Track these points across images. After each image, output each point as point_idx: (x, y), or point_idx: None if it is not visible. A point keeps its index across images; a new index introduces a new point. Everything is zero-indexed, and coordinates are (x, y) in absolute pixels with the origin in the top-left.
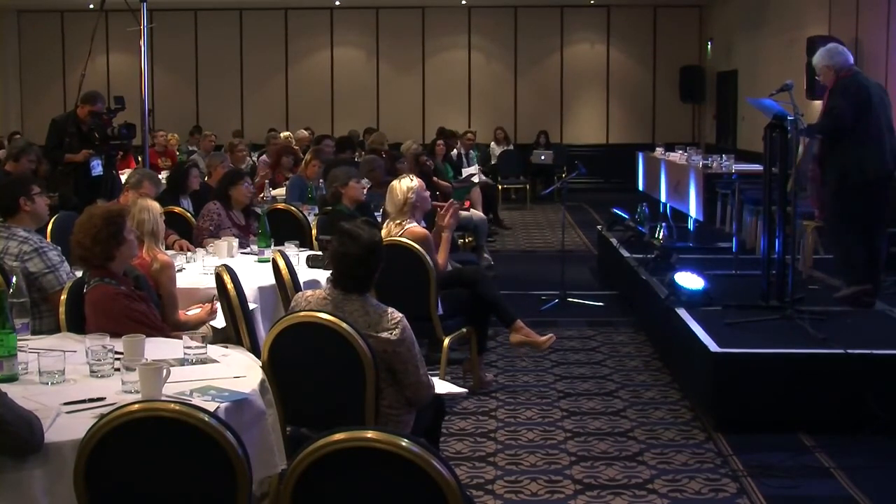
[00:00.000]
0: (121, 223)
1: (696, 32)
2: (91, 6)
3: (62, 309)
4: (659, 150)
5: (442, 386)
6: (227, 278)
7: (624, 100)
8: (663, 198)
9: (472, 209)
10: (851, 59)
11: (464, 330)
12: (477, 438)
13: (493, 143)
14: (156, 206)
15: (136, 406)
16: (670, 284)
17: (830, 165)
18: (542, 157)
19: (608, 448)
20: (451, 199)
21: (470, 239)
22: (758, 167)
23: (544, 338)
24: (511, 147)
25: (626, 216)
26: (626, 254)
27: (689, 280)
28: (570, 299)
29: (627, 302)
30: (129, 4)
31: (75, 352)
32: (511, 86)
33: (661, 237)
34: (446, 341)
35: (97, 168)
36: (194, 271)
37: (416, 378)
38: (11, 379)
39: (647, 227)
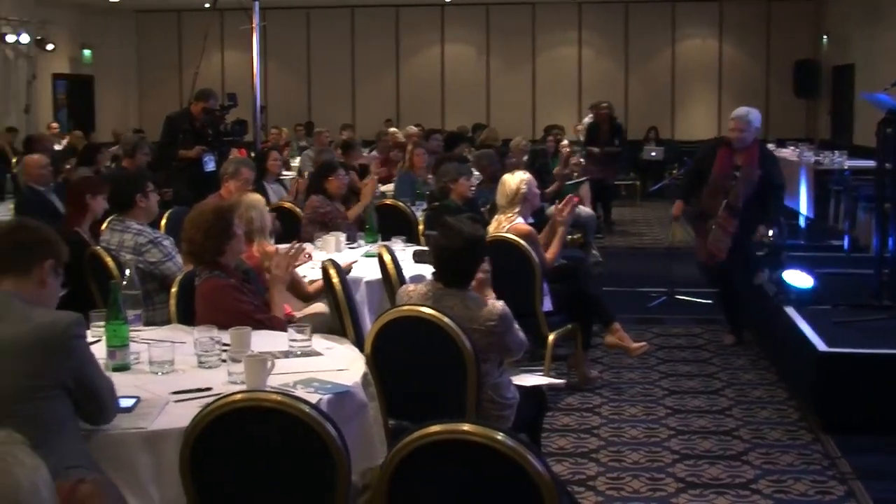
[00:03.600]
0: (230, 218)
1: (812, 26)
2: (207, 5)
3: (172, 301)
4: (770, 146)
5: (540, 378)
6: (332, 272)
7: (736, 95)
8: None
9: (580, 205)
10: None
11: (569, 326)
12: (580, 435)
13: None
14: (261, 201)
15: (240, 396)
16: (779, 282)
17: None
18: (653, 154)
19: (712, 447)
20: (569, 195)
21: (578, 235)
22: (871, 163)
23: (637, 344)
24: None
25: None
26: None
27: (799, 278)
28: (677, 297)
29: (736, 300)
30: (241, 3)
31: (184, 343)
32: (621, 82)
33: (770, 235)
34: (551, 337)
35: (210, 164)
36: (303, 265)
37: (517, 346)
38: (124, 368)
39: None
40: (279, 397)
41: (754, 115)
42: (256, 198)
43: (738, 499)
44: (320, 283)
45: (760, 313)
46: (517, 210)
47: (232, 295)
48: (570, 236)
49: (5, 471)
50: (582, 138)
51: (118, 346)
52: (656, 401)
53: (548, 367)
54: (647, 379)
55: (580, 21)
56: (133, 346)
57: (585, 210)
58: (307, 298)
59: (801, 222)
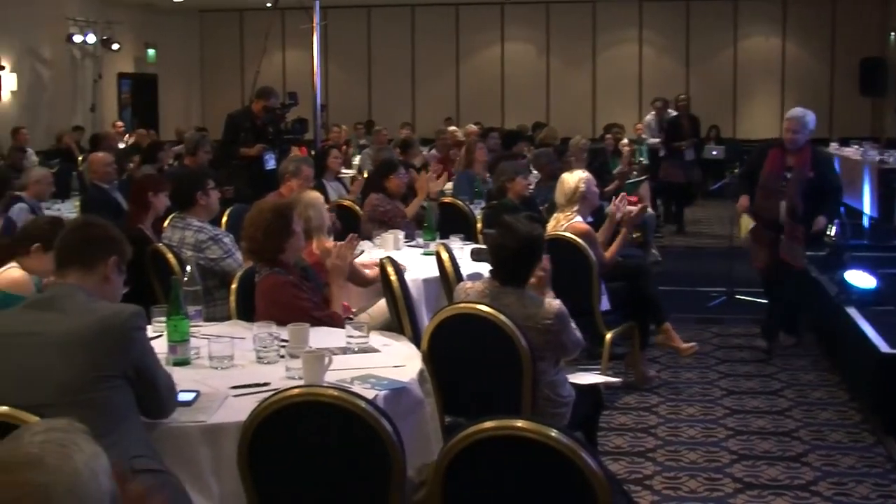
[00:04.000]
0: (290, 216)
1: (878, 23)
2: (268, 4)
3: (232, 298)
4: (833, 146)
5: (596, 377)
6: (390, 270)
7: (799, 94)
8: None
9: (640, 204)
10: None
11: (626, 325)
12: (637, 434)
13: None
14: (319, 199)
15: (297, 391)
16: (841, 282)
17: None
18: (714, 153)
19: (771, 448)
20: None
21: (638, 234)
22: None
23: (687, 345)
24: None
25: None
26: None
27: (861, 278)
28: (737, 297)
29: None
30: (302, 2)
31: (244, 338)
32: (682, 80)
33: (833, 234)
34: (608, 336)
35: (270, 162)
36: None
37: (574, 345)
38: (184, 363)
39: None
40: (336, 392)
41: (811, 117)
42: (315, 196)
43: (796, 500)
44: (377, 269)
45: (822, 314)
46: (576, 209)
47: (291, 292)
48: (630, 235)
49: (66, 456)
50: (646, 136)
51: (179, 341)
52: (714, 401)
53: (605, 365)
54: (706, 379)
55: (641, 19)
56: (193, 342)
57: None
58: (366, 284)
59: (865, 222)
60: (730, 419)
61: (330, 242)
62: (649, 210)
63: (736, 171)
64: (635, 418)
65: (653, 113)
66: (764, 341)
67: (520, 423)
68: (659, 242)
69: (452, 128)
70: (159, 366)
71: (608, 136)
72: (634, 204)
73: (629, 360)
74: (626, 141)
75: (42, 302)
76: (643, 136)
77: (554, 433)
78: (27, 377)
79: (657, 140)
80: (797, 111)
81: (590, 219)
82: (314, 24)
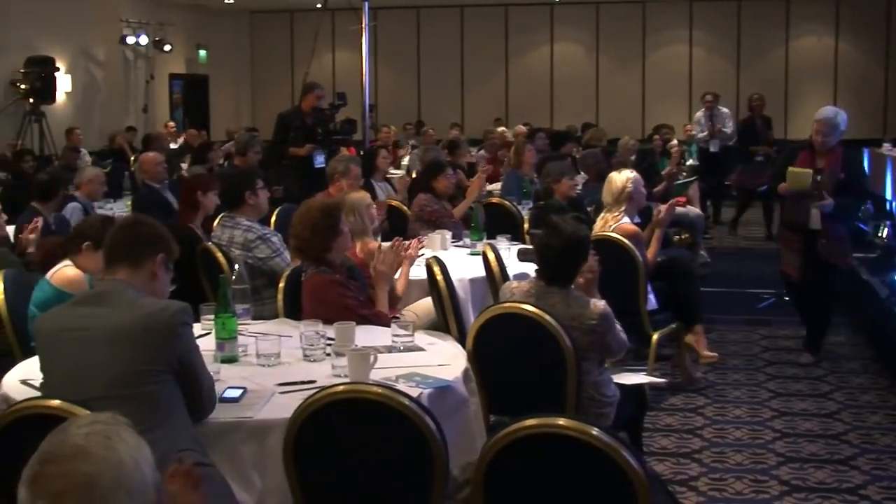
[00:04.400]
0: (337, 216)
1: None
2: (318, 5)
3: (280, 296)
4: (886, 147)
5: (641, 377)
6: (436, 270)
7: (852, 94)
8: (888, 195)
9: (688, 205)
10: None
11: (673, 326)
12: (683, 435)
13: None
14: (363, 202)
15: (342, 388)
16: (892, 285)
17: None
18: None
19: (819, 450)
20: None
21: (686, 235)
22: None
23: (709, 353)
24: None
25: None
26: None
27: None
28: (787, 298)
29: (847, 302)
30: (351, 3)
31: (291, 337)
32: (733, 81)
33: (884, 236)
34: (655, 336)
35: (320, 160)
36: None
37: (618, 346)
38: (232, 360)
39: (871, 225)
40: (380, 390)
41: (842, 117)
42: (358, 198)
43: None
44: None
45: (872, 316)
46: (623, 209)
47: (337, 290)
48: (677, 236)
49: (111, 447)
50: (696, 132)
51: (227, 338)
52: (762, 403)
53: (651, 366)
54: (753, 381)
55: (691, 20)
56: (241, 339)
57: (694, 210)
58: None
59: None
60: (777, 421)
61: (374, 244)
62: (698, 211)
63: None
64: (681, 419)
65: (703, 108)
66: (810, 355)
67: (561, 421)
68: (708, 244)
69: (501, 128)
70: (203, 366)
71: (657, 136)
72: (683, 205)
73: (675, 360)
74: (675, 142)
75: (91, 297)
76: (693, 132)
77: (595, 431)
78: (77, 371)
79: (706, 134)
80: (828, 112)
81: (637, 219)
82: (363, 25)
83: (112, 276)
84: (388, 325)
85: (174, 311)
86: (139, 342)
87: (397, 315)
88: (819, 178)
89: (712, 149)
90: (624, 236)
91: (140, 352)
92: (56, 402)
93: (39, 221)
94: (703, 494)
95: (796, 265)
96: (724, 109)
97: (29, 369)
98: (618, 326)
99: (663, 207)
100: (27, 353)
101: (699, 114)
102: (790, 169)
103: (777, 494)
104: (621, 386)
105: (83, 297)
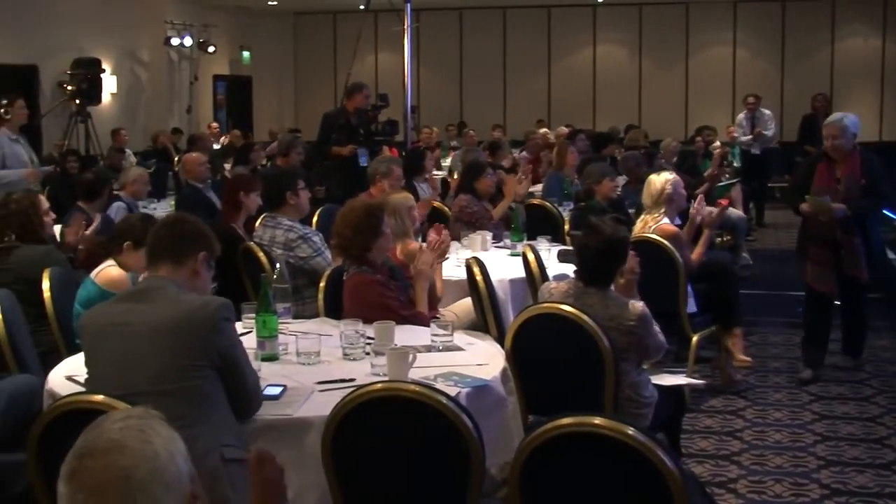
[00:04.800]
0: (380, 217)
1: None
2: (361, 7)
3: (320, 295)
4: None
5: (679, 378)
6: (476, 270)
7: None
8: None
9: (731, 207)
10: None
11: (713, 328)
12: (722, 437)
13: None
14: (404, 204)
15: (380, 386)
16: None
17: None
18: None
19: (860, 454)
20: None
21: (728, 237)
22: None
23: (743, 357)
24: (776, 144)
25: (894, 216)
26: (892, 255)
27: None
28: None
29: (893, 305)
30: (393, 5)
31: (331, 335)
32: (777, 82)
33: None
34: (694, 338)
35: (363, 159)
36: (448, 263)
37: (656, 347)
38: (272, 358)
39: None
40: (417, 388)
41: (850, 119)
42: (401, 198)
43: None
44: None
45: None
46: (662, 210)
47: (378, 290)
48: (719, 238)
49: (145, 440)
50: (738, 135)
51: (267, 336)
52: (802, 405)
53: (691, 367)
54: (794, 383)
55: (735, 21)
56: (282, 338)
57: (736, 212)
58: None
59: None
60: (818, 424)
61: (415, 245)
62: (741, 213)
63: None
64: (721, 421)
65: (745, 111)
66: (808, 370)
67: (597, 420)
68: (751, 246)
69: (543, 130)
70: (248, 364)
71: (699, 138)
72: (725, 207)
73: (716, 362)
74: (717, 143)
75: (134, 294)
76: (735, 134)
77: (631, 431)
78: (121, 366)
79: (749, 138)
80: (834, 116)
81: (678, 221)
82: (405, 27)
83: (154, 273)
84: (428, 325)
85: (215, 307)
86: (180, 337)
87: (437, 315)
88: (839, 187)
89: (754, 151)
90: (664, 237)
91: (181, 347)
92: (100, 398)
93: (94, 221)
94: (742, 497)
95: (831, 280)
96: (766, 111)
97: (74, 366)
98: (656, 328)
99: (709, 209)
100: (72, 350)
101: (741, 116)
102: (809, 198)
103: (817, 498)
104: (659, 387)
105: (126, 294)
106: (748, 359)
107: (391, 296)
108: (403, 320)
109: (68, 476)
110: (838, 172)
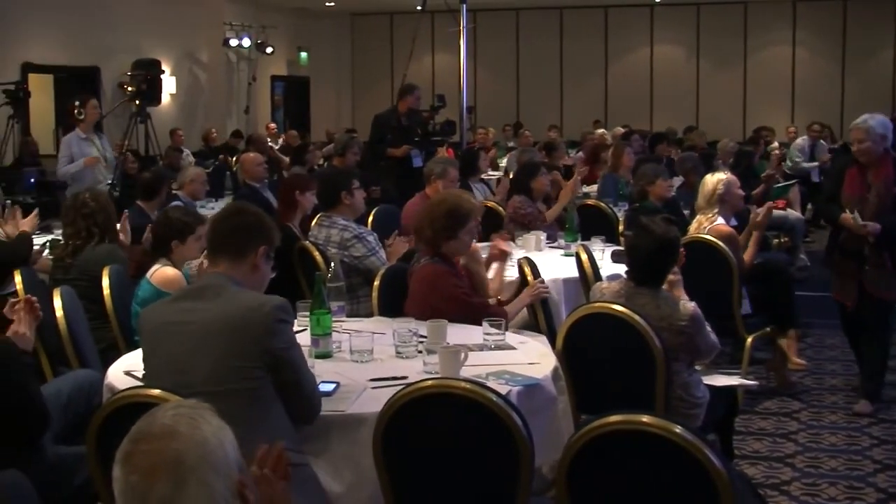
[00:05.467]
0: (467, 215)
1: None
2: (419, 8)
3: (375, 294)
4: None
5: (731, 379)
6: (527, 270)
7: None
8: None
9: (788, 209)
10: None
11: (768, 329)
12: (776, 439)
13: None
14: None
15: (431, 382)
16: None
17: None
18: None
19: None
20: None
21: (786, 239)
22: None
23: (799, 360)
24: (836, 145)
25: None
26: None
27: None
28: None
29: None
30: (449, 5)
31: (384, 334)
32: (838, 83)
33: None
34: (749, 339)
35: (417, 160)
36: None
37: (708, 348)
38: (326, 356)
39: None
40: (468, 385)
41: (877, 121)
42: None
43: None
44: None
45: None
46: (716, 211)
47: (451, 281)
48: (776, 240)
49: (195, 427)
50: (798, 159)
51: (321, 334)
52: None
53: (745, 369)
54: (850, 386)
55: (794, 20)
56: (335, 336)
57: (794, 213)
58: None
59: None
60: (875, 428)
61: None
62: (799, 214)
63: None
64: (775, 423)
65: (806, 137)
66: (867, 401)
67: (644, 418)
68: (809, 247)
69: (601, 130)
70: (305, 367)
71: (761, 138)
72: (783, 208)
73: (771, 364)
74: (776, 144)
75: (192, 292)
76: (794, 148)
77: (678, 429)
78: (176, 365)
79: (814, 165)
80: (862, 117)
81: (734, 221)
82: (461, 27)
83: (215, 268)
84: (504, 315)
85: (270, 308)
86: (234, 338)
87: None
88: (869, 195)
89: (814, 178)
90: (718, 238)
91: (234, 348)
92: (156, 391)
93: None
94: (796, 499)
95: (852, 293)
96: (824, 143)
97: (132, 361)
98: (708, 328)
99: (761, 210)
100: (131, 347)
101: (802, 141)
102: (844, 216)
103: (873, 502)
104: (711, 387)
105: (184, 292)
106: (803, 361)
107: (462, 286)
108: (475, 309)
109: (122, 459)
110: (870, 178)
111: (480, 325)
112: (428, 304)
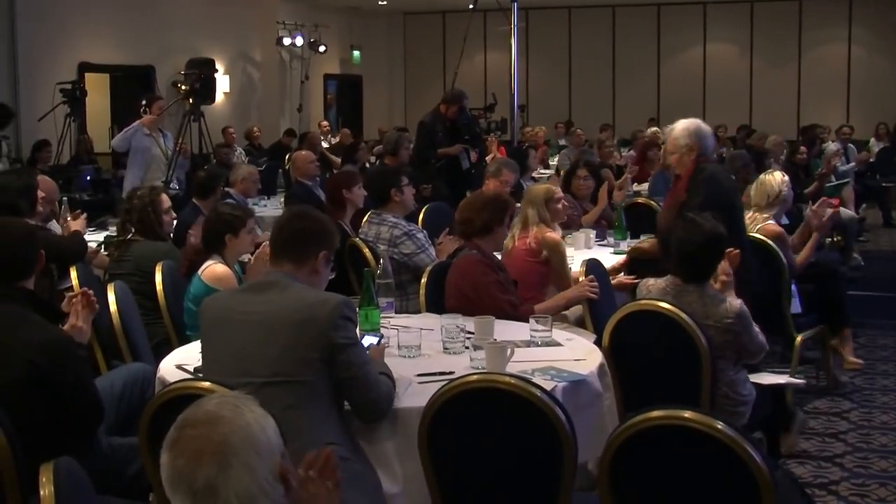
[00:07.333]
0: (505, 208)
1: None
2: (470, 6)
3: (422, 291)
4: None
5: (778, 377)
6: (580, 270)
7: None
8: None
9: (841, 208)
10: None
11: (818, 328)
12: (825, 439)
13: (872, 138)
14: (539, 195)
15: (476, 377)
16: None
17: None
18: None
19: None
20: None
21: (839, 238)
22: None
23: (854, 359)
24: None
25: None
26: None
27: None
28: None
29: None
30: (501, 4)
31: (432, 330)
32: (894, 80)
33: None
34: (798, 339)
35: (465, 163)
36: None
37: (756, 347)
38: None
39: None
40: (512, 380)
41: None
42: (539, 189)
43: None
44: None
45: None
46: (773, 211)
47: (483, 269)
48: (829, 239)
49: (238, 413)
50: (841, 165)
51: (369, 330)
52: None
53: (794, 368)
54: None
55: (850, 17)
56: (384, 332)
57: (847, 212)
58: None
59: None
60: None
61: (553, 234)
62: (852, 213)
63: None
64: (825, 423)
65: (838, 139)
66: None
67: (686, 414)
68: (864, 247)
69: (654, 129)
70: (369, 365)
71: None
72: (836, 207)
73: (821, 363)
74: (830, 143)
75: (258, 285)
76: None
77: (720, 425)
78: (239, 355)
79: (852, 166)
80: None
81: (785, 220)
82: (512, 26)
83: (279, 268)
84: (523, 319)
85: (335, 304)
86: (299, 330)
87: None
88: None
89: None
90: (768, 237)
91: (298, 340)
92: (206, 384)
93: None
94: (845, 500)
95: None
96: (851, 146)
97: (184, 355)
98: (755, 328)
99: (820, 210)
100: (183, 342)
101: (835, 145)
102: None
103: None
104: (758, 386)
105: (249, 285)
106: (859, 360)
107: (494, 278)
108: (497, 303)
109: (169, 445)
110: None
111: (505, 319)
112: (460, 293)
